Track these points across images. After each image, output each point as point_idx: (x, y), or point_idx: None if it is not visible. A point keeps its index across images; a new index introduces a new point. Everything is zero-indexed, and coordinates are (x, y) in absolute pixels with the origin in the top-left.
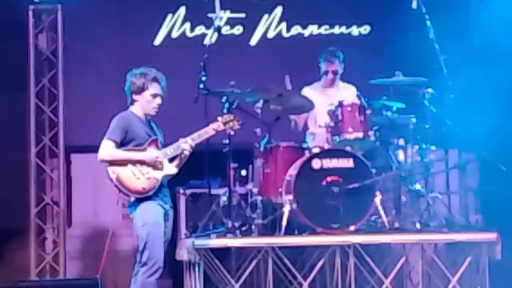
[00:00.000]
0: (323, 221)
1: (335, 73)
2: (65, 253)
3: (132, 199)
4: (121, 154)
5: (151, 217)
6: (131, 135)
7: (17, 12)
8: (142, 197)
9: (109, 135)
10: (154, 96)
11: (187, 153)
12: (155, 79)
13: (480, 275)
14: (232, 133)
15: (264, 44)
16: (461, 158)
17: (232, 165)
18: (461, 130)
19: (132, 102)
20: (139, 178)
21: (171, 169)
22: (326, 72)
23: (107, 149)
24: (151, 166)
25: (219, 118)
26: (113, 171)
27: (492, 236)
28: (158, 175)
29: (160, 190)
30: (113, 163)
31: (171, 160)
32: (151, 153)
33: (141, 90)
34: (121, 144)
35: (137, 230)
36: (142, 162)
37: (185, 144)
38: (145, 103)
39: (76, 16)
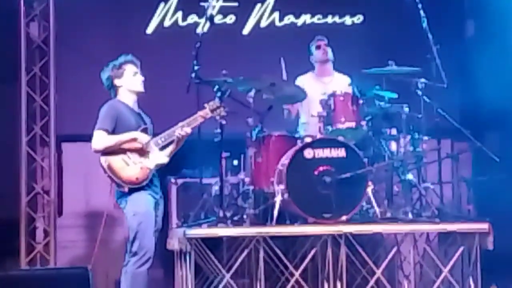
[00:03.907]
0: (315, 210)
1: (326, 45)
2: (56, 242)
3: (126, 189)
4: (114, 138)
5: (141, 207)
6: (121, 123)
7: (9, 0)
8: (135, 188)
9: (100, 125)
10: (135, 74)
11: (184, 133)
12: (128, 61)
13: (472, 265)
14: (223, 122)
15: (257, 33)
16: (454, 148)
17: (224, 154)
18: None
19: (117, 91)
20: (132, 168)
21: (162, 158)
22: (318, 47)
23: (100, 138)
24: (142, 155)
25: (206, 105)
26: (105, 160)
27: (484, 226)
28: (150, 164)
29: (151, 180)
30: (105, 152)
31: (162, 149)
32: (143, 136)
33: (120, 74)
34: (113, 132)
35: (127, 220)
36: (133, 150)
37: (180, 129)
38: (130, 83)
39: (68, 4)
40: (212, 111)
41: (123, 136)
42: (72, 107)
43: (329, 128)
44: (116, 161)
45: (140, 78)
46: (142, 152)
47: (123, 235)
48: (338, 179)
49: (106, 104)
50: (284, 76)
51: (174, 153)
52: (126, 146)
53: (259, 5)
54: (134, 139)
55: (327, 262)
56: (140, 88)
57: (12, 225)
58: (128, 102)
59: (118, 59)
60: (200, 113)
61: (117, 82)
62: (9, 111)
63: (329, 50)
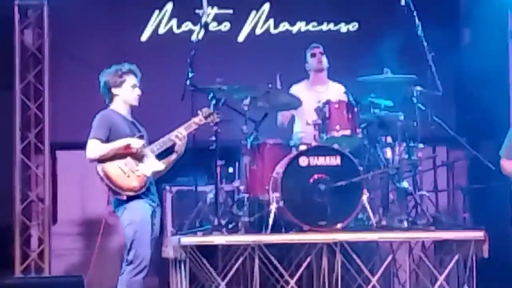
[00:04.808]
0: (310, 218)
1: (321, 54)
2: (50, 250)
3: (124, 197)
4: (108, 146)
5: (138, 216)
6: (115, 132)
7: (3, 8)
8: (133, 195)
9: (94, 134)
10: (133, 86)
11: (180, 135)
12: (130, 71)
13: (467, 273)
14: (218, 130)
15: (252, 40)
16: (450, 156)
17: (219, 162)
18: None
19: (112, 99)
20: (129, 176)
21: (158, 165)
22: (313, 55)
23: (94, 147)
24: (138, 163)
25: (200, 112)
26: (102, 168)
27: (479, 234)
28: (147, 171)
29: (148, 188)
30: (101, 160)
31: (159, 156)
32: (136, 141)
33: (120, 83)
34: (107, 141)
35: (123, 228)
36: (129, 158)
37: (177, 134)
38: (126, 95)
39: (62, 12)
40: (206, 117)
41: (116, 143)
42: (67, 114)
43: (324, 136)
44: (112, 169)
45: (137, 92)
46: (139, 159)
47: (118, 242)
48: (333, 187)
49: (99, 114)
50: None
51: (174, 161)
52: (121, 153)
53: (254, 12)
54: (128, 145)
55: (323, 270)
56: (135, 103)
57: (6, 233)
58: (122, 112)
59: (122, 66)
60: (194, 119)
61: (114, 90)
62: (3, 119)
63: (324, 58)
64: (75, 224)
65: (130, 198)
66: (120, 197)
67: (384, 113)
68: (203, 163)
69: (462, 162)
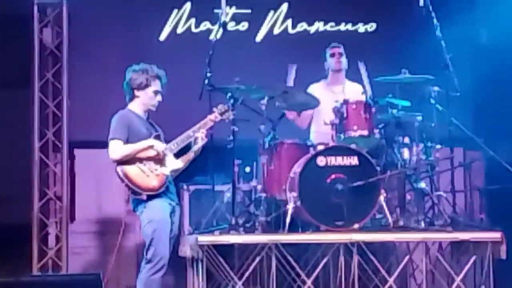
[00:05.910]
0: (327, 218)
1: (341, 55)
2: (68, 248)
3: (144, 197)
4: (131, 147)
5: (157, 214)
6: (133, 132)
7: (22, 6)
8: (152, 195)
9: (114, 135)
10: (156, 93)
11: (201, 138)
12: (157, 76)
13: (484, 274)
14: (236, 129)
15: (270, 40)
16: (467, 157)
17: (236, 161)
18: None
19: (132, 98)
20: (148, 176)
21: (177, 163)
22: (332, 55)
23: (117, 148)
24: (157, 162)
25: (215, 109)
26: (121, 169)
27: (497, 235)
28: (166, 170)
29: (167, 187)
30: (121, 162)
31: (177, 155)
32: (159, 143)
33: (144, 86)
34: (126, 142)
35: (143, 227)
36: (148, 159)
37: (197, 133)
38: (147, 99)
39: (81, 11)
40: (221, 114)
41: (139, 144)
42: (85, 113)
43: (342, 136)
44: (132, 169)
45: (158, 98)
46: (157, 159)
47: (135, 241)
48: (351, 187)
49: (117, 114)
50: (290, 83)
51: (193, 158)
52: (141, 154)
53: (272, 12)
54: (151, 147)
55: (339, 270)
56: (153, 109)
57: (24, 230)
58: (139, 112)
59: (151, 68)
60: (210, 117)
61: (136, 92)
62: (21, 117)
63: (343, 59)
64: (92, 222)
65: (149, 197)
66: (140, 196)
67: (401, 114)
68: (221, 162)
69: (480, 163)
